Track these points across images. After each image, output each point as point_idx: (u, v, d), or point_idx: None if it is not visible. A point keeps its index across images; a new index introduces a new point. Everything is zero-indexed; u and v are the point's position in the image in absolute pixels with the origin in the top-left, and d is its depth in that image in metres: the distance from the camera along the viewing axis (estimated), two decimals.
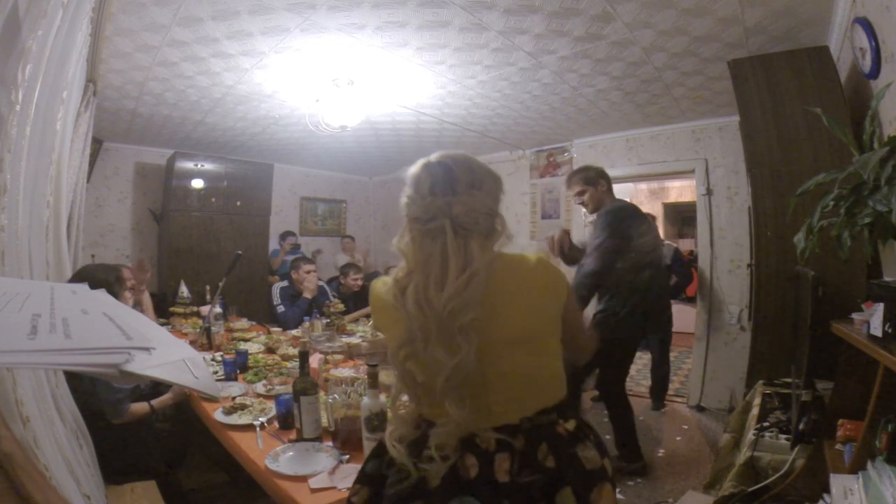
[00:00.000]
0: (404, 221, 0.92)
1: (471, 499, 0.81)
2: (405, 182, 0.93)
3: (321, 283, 3.85)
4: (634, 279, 2.46)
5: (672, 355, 4.97)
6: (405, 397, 0.93)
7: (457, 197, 0.88)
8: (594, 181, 2.61)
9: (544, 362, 0.92)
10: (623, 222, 2.45)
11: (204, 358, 2.37)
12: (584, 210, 4.52)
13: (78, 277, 2.02)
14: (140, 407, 1.94)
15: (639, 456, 2.66)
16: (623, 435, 2.67)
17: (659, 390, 3.83)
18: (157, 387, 2.05)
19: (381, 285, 0.96)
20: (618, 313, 2.48)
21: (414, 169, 0.93)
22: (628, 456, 2.64)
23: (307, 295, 3.55)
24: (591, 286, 2.45)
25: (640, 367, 4.63)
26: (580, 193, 2.65)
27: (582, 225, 4.60)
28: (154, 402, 1.98)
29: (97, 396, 1.77)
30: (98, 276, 1.97)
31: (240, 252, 3.04)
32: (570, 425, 0.91)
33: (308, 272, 3.62)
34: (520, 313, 0.88)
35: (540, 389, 0.91)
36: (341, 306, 3.39)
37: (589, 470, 0.86)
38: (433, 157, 0.94)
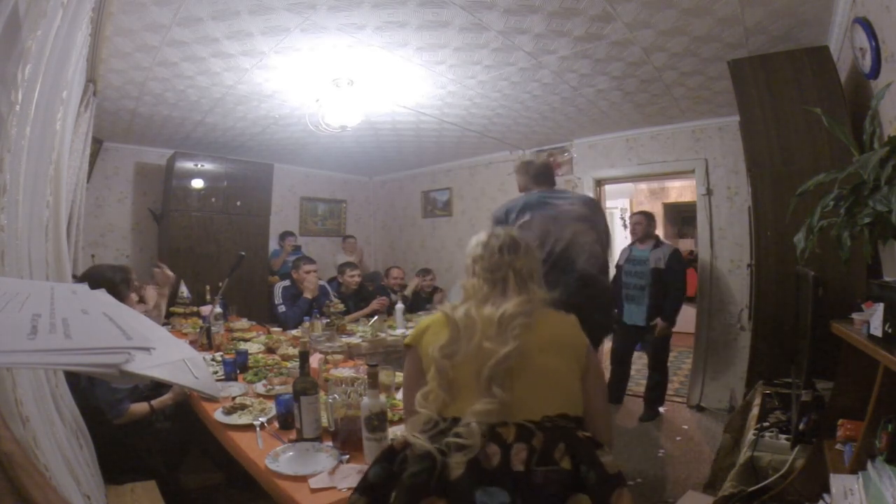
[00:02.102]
0: (468, 269, 1.21)
1: (496, 489, 0.83)
2: (472, 243, 1.23)
3: (321, 282, 3.86)
4: None
5: (672, 355, 4.97)
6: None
7: (518, 255, 1.16)
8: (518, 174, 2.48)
9: (569, 368, 1.05)
10: (500, 214, 2.26)
11: (204, 358, 2.37)
12: None
13: (86, 277, 2.03)
14: (140, 407, 1.94)
15: None
16: None
17: (650, 398, 3.67)
18: (158, 387, 2.05)
19: (437, 314, 1.18)
20: None
21: (481, 237, 1.23)
22: None
23: (308, 295, 3.55)
24: None
25: (641, 366, 4.63)
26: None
27: None
28: (154, 402, 1.98)
29: (96, 397, 1.78)
30: (107, 276, 1.99)
31: (243, 253, 3.04)
32: (587, 434, 0.98)
33: (308, 272, 3.62)
34: (552, 326, 1.10)
35: (562, 392, 1.02)
36: (341, 306, 3.39)
37: (610, 474, 0.89)
38: (495, 229, 1.25)
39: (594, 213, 2.23)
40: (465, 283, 1.18)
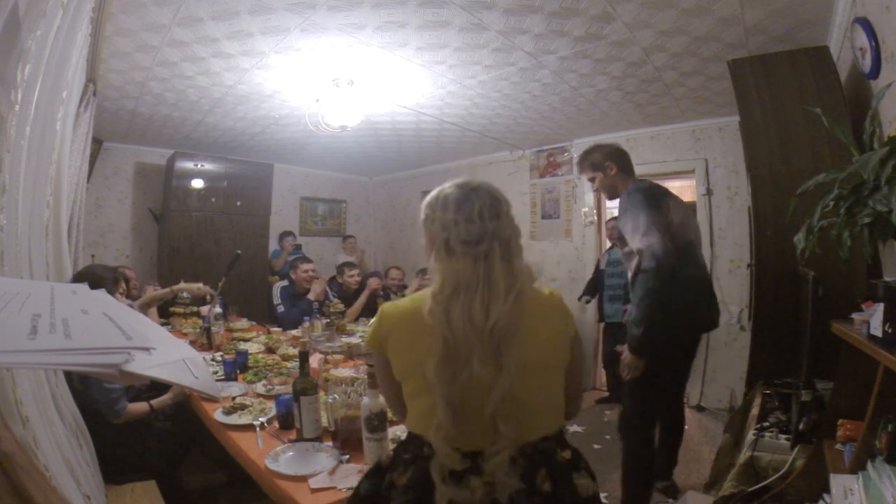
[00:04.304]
0: (437, 241, 0.93)
1: None
2: (439, 203, 0.95)
3: None
4: (677, 273, 1.93)
5: None
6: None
7: (501, 221, 0.93)
8: (601, 166, 2.19)
9: (551, 390, 0.96)
10: (653, 199, 2.01)
11: (204, 358, 2.37)
12: (583, 210, 4.60)
13: (79, 275, 2.04)
14: (139, 407, 1.94)
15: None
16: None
17: (618, 391, 3.82)
18: (155, 386, 2.06)
19: (394, 307, 0.98)
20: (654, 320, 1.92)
21: (451, 192, 0.95)
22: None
23: (311, 297, 3.53)
24: (655, 291, 1.88)
25: None
26: (591, 181, 2.29)
27: (581, 225, 4.61)
28: (154, 401, 1.98)
29: (91, 397, 1.77)
30: (96, 273, 2.00)
31: (239, 252, 3.04)
32: (567, 454, 0.94)
33: (305, 271, 3.62)
34: (537, 339, 0.91)
35: (543, 417, 0.94)
36: (341, 306, 3.39)
37: (584, 497, 0.89)
38: (468, 182, 0.97)
39: None
40: (441, 266, 0.91)
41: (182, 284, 3.01)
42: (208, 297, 3.27)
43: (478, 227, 0.90)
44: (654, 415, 2.18)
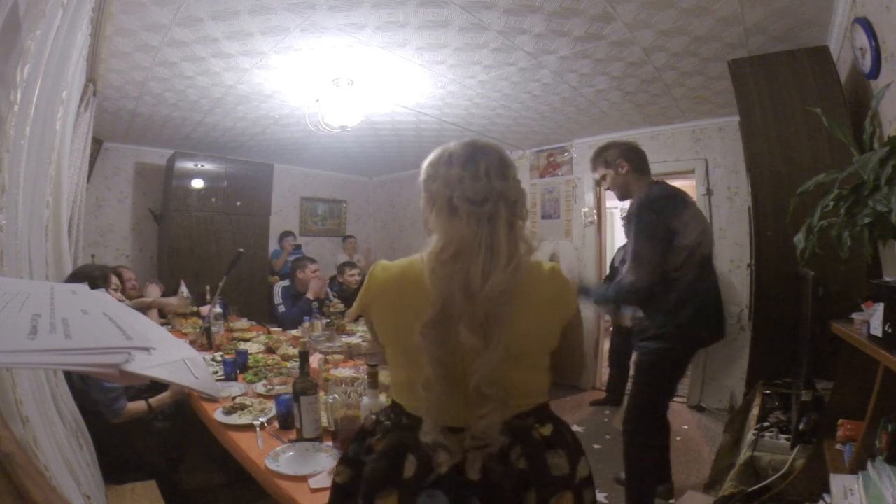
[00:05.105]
0: (440, 199, 0.87)
1: (439, 493, 0.80)
2: (443, 160, 0.91)
3: None
4: (681, 285, 1.96)
5: None
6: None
7: (508, 182, 0.89)
8: (613, 163, 2.13)
9: (532, 378, 0.92)
10: (657, 213, 1.96)
11: (204, 358, 2.37)
12: (583, 210, 4.60)
13: (73, 274, 2.05)
14: (138, 406, 1.94)
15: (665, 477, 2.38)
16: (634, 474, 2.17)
17: (615, 393, 3.87)
18: (156, 385, 2.06)
19: (384, 270, 0.93)
20: (663, 332, 1.97)
21: (458, 149, 0.91)
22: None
23: (310, 295, 3.54)
24: (636, 298, 2.02)
25: None
26: (602, 179, 2.21)
27: (582, 225, 4.60)
28: (152, 400, 1.98)
29: (90, 397, 1.78)
30: (87, 272, 2.02)
31: (241, 250, 3.04)
32: (547, 430, 0.89)
33: (314, 271, 3.63)
34: (525, 326, 0.87)
35: (525, 392, 0.90)
36: (341, 306, 3.39)
37: (554, 475, 0.85)
38: (475, 141, 0.93)
39: None
40: (442, 225, 0.86)
41: (161, 299, 3.37)
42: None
43: (484, 185, 0.86)
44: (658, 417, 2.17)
